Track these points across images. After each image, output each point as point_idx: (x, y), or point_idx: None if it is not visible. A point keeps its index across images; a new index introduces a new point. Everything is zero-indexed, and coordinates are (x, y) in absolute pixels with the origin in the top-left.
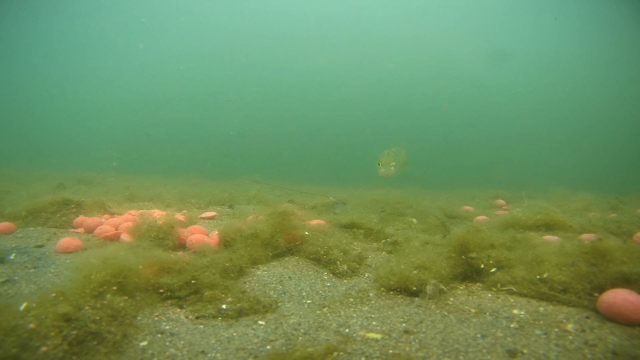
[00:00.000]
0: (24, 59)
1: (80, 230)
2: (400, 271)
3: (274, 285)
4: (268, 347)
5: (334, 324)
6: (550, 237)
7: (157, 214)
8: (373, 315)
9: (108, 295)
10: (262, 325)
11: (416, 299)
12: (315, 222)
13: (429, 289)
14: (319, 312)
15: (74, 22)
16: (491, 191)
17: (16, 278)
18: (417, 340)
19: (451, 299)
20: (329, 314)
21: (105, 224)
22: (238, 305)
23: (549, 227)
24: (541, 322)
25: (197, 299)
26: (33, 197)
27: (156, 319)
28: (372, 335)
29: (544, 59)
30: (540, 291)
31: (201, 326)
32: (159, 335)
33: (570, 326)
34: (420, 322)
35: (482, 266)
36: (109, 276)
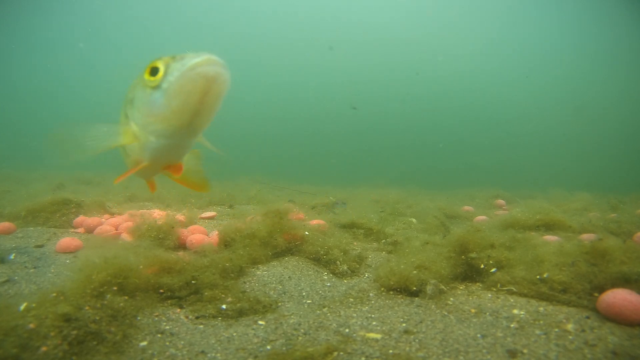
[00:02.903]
0: (24, 59)
1: (80, 230)
2: (400, 271)
3: (274, 285)
4: (268, 347)
5: (334, 324)
6: (550, 237)
7: (157, 214)
8: (373, 315)
9: (108, 296)
10: (262, 325)
11: (416, 299)
12: (315, 222)
13: (429, 289)
14: (319, 312)
15: (74, 21)
16: (491, 191)
17: (16, 278)
18: (417, 340)
19: (451, 299)
20: (329, 314)
21: (105, 224)
22: (238, 305)
23: (548, 227)
24: (541, 322)
25: (197, 299)
26: (33, 197)
27: (156, 319)
28: (372, 335)
29: (544, 59)
30: (540, 291)
31: (201, 326)
32: (159, 335)
33: (570, 326)
34: (420, 322)
35: (482, 266)
36: (109, 276)
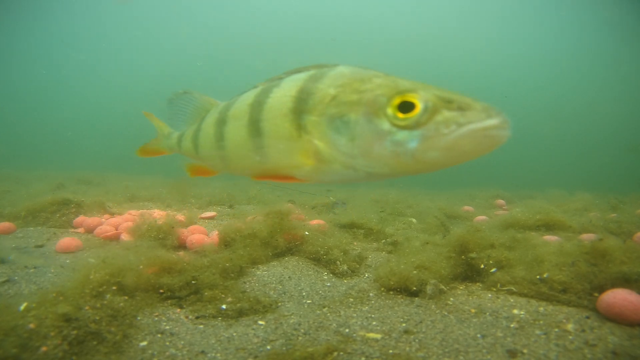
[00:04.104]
0: (24, 59)
1: (80, 230)
2: (400, 271)
3: (274, 285)
4: (268, 347)
5: (334, 324)
6: (550, 237)
7: (157, 214)
8: (373, 315)
9: (108, 295)
10: (262, 325)
11: (416, 299)
12: (315, 222)
13: (429, 289)
14: (319, 312)
15: (74, 21)
16: (491, 191)
17: (16, 278)
18: (417, 340)
19: (451, 299)
20: (329, 314)
21: (105, 224)
22: (238, 305)
23: (548, 227)
24: (541, 322)
25: (197, 299)
26: (33, 197)
27: (156, 319)
28: (372, 335)
29: (544, 58)
30: (540, 291)
31: (201, 326)
32: (159, 335)
33: (570, 326)
34: (420, 322)
35: (482, 266)
36: (109, 276)
